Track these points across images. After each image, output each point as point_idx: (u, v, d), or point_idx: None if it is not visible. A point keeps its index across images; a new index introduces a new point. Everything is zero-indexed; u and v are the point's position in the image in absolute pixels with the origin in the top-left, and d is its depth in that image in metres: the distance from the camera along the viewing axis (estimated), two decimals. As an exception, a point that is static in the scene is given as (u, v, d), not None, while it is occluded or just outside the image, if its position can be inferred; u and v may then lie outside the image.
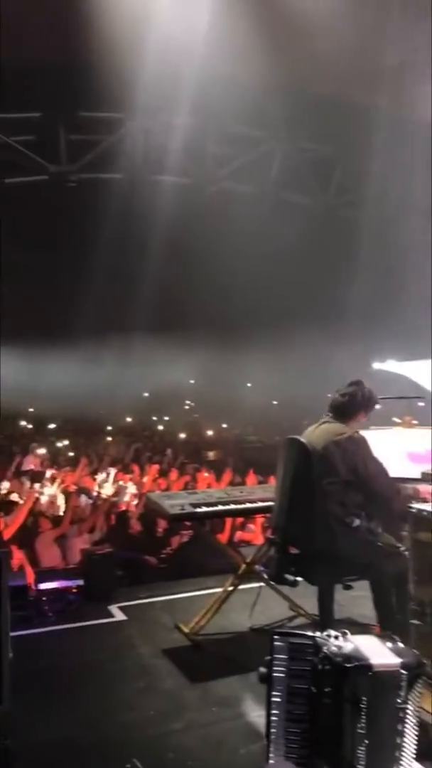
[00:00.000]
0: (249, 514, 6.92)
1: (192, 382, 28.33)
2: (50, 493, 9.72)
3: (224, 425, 22.86)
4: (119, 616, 5.95)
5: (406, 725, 2.92)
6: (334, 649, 3.03)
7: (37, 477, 10.99)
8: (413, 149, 10.92)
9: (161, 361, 21.27)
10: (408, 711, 2.93)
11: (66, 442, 16.98)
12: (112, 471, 12.03)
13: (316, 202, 12.89)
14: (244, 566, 5.44)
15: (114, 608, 6.08)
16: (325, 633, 3.15)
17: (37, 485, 10.14)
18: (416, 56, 8.86)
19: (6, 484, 10.53)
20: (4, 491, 9.83)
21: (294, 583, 4.41)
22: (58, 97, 10.62)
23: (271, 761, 3.05)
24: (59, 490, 9.88)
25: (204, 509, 5.32)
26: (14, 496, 9.46)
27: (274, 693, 3.14)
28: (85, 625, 5.76)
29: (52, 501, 9.34)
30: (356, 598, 4.94)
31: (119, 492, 9.89)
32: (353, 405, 4.45)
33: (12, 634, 3.14)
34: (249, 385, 25.79)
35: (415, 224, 12.50)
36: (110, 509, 8.83)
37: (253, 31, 8.68)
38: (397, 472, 4.62)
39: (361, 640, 3.12)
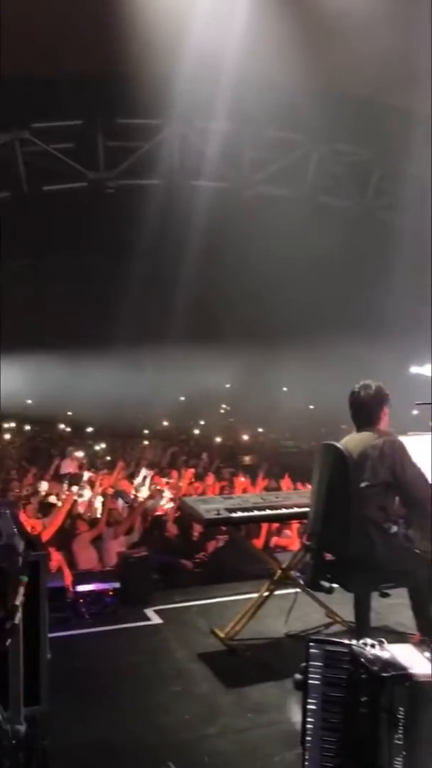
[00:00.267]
0: (284, 520, 6.89)
1: (228, 386, 28.33)
2: (88, 495, 9.82)
3: (260, 429, 22.80)
4: (155, 619, 5.98)
5: (445, 737, 2.87)
6: (370, 657, 2.99)
7: (74, 480, 11.13)
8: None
9: (197, 365, 21.33)
10: (447, 722, 2.87)
11: (103, 446, 17.16)
12: (149, 473, 12.12)
13: (353, 205, 12.79)
14: (279, 572, 5.42)
15: (150, 611, 6.11)
16: (361, 641, 3.12)
17: (74, 488, 10.26)
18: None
19: (45, 486, 10.70)
20: (43, 493, 9.98)
21: (330, 590, 4.37)
22: (97, 105, 10.77)
23: (306, 770, 3.03)
24: (96, 493, 9.98)
25: (239, 514, 5.31)
26: (53, 499, 9.61)
27: (309, 701, 3.11)
28: (122, 628, 5.81)
29: (90, 504, 9.44)
30: (393, 606, 4.88)
31: (155, 496, 9.94)
32: (368, 408, 4.40)
33: (49, 635, 3.18)
34: (285, 389, 25.67)
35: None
36: (146, 512, 8.89)
37: (289, 34, 8.66)
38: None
39: (399, 649, 3.08)
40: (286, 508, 5.47)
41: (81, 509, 9.06)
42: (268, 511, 5.45)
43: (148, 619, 5.99)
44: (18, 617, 2.57)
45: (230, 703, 4.40)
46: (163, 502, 9.70)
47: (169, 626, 5.81)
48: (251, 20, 8.63)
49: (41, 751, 2.85)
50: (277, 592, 5.46)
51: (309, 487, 4.87)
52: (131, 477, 12.06)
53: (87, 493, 10.02)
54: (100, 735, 4.04)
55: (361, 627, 4.27)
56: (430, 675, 2.88)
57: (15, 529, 3.13)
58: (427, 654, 3.04)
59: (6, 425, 22.80)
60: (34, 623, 2.86)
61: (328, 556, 4.38)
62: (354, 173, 12.62)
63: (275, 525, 7.94)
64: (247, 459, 15.92)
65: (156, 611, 6.12)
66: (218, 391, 26.81)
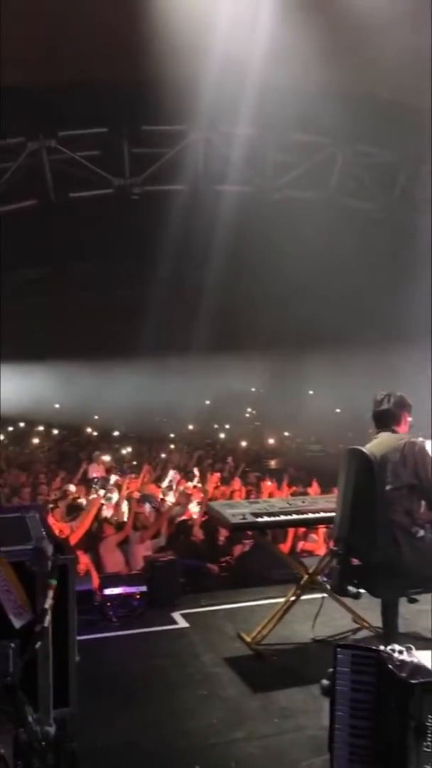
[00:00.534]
0: (311, 525, 6.86)
1: (253, 390, 28.28)
2: (114, 499, 9.89)
3: (286, 433, 22.71)
4: (182, 623, 6.01)
5: None
6: (398, 663, 2.98)
7: (101, 483, 11.21)
8: None
9: (223, 369, 21.35)
10: None
11: (129, 450, 17.25)
12: (175, 476, 12.15)
13: (378, 207, 12.71)
14: (306, 577, 5.40)
15: (177, 615, 6.14)
16: (389, 647, 3.10)
17: (101, 491, 10.34)
18: None
19: (72, 488, 10.80)
20: (70, 497, 10.07)
21: (357, 595, 4.35)
22: (122, 113, 10.86)
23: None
24: (123, 497, 10.04)
25: (265, 519, 5.32)
26: (81, 501, 9.70)
27: (337, 706, 3.10)
28: (149, 631, 5.84)
29: (117, 507, 9.50)
30: (422, 612, 4.83)
31: (181, 501, 9.96)
32: (390, 417, 4.47)
33: (77, 638, 3.21)
34: (311, 392, 25.54)
35: None
36: (173, 517, 8.93)
37: (313, 37, 8.64)
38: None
39: (427, 656, 3.05)
40: (312, 512, 5.46)
41: (108, 513, 9.12)
42: (295, 516, 5.44)
43: (174, 622, 6.02)
44: (47, 620, 2.61)
45: (257, 708, 4.40)
46: (190, 506, 9.71)
47: (195, 630, 5.83)
48: (275, 24, 8.63)
49: (70, 753, 2.88)
50: (303, 597, 5.45)
51: (335, 491, 4.86)
52: (158, 481, 12.11)
53: (114, 496, 10.08)
54: (127, 737, 4.07)
55: (389, 633, 4.25)
56: (459, 682, 2.85)
57: (44, 533, 3.18)
58: (456, 661, 3.01)
59: (34, 429, 23.08)
60: (63, 626, 2.90)
61: (355, 561, 4.36)
62: (379, 175, 12.53)
63: (302, 529, 7.91)
64: (272, 463, 15.87)
65: (183, 615, 6.15)
66: (244, 395, 26.80)
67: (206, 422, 24.25)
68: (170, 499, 10.38)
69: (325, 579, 5.33)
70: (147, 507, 9.00)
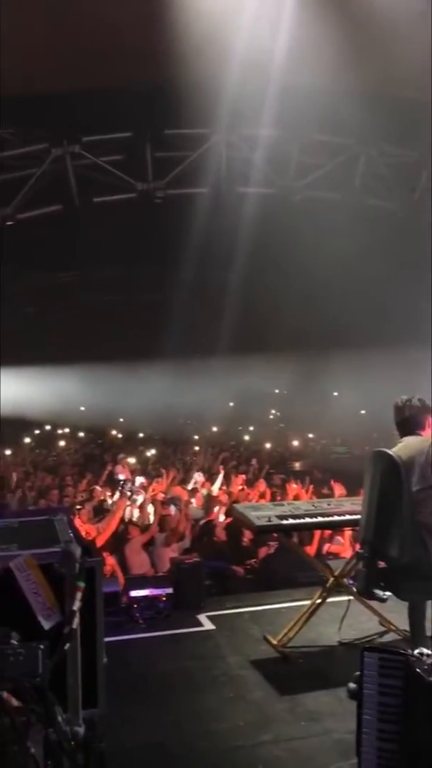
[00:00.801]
0: (336, 527, 6.84)
1: (276, 391, 28.22)
2: (140, 501, 9.94)
3: (310, 435, 22.61)
4: (208, 625, 6.02)
5: None
6: (426, 667, 2.95)
7: (127, 485, 11.25)
8: None
9: (247, 371, 21.33)
10: None
11: (154, 452, 17.33)
12: (200, 479, 12.17)
13: (401, 207, 12.61)
14: (332, 579, 5.38)
15: (203, 617, 6.16)
16: (417, 650, 3.08)
17: (127, 493, 10.37)
18: None
19: (98, 490, 10.87)
20: (96, 499, 10.14)
21: (383, 598, 4.33)
22: (145, 117, 10.94)
23: (362, 780, 3.00)
24: (149, 499, 10.09)
25: (290, 521, 5.31)
26: (108, 502, 9.78)
27: (364, 710, 3.09)
28: (175, 633, 5.87)
29: (142, 509, 9.55)
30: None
31: (209, 503, 9.97)
32: (413, 420, 4.47)
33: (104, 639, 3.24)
34: (335, 394, 25.40)
35: None
36: (198, 518, 8.95)
37: (335, 38, 8.60)
38: None
39: (455, 660, 3.02)
40: (338, 515, 5.44)
41: (134, 514, 9.18)
42: (320, 519, 5.43)
43: (200, 624, 6.04)
44: (76, 622, 2.64)
45: (283, 711, 4.39)
46: (216, 509, 9.71)
47: (221, 632, 5.85)
48: (297, 25, 8.62)
49: (99, 753, 2.90)
50: (329, 600, 5.43)
51: (361, 493, 4.84)
52: (182, 483, 12.14)
53: (139, 498, 10.14)
54: (154, 739, 4.10)
55: (417, 636, 4.22)
56: None
57: (71, 535, 3.22)
58: None
59: (60, 431, 23.31)
60: (91, 628, 2.92)
61: (381, 564, 4.34)
62: (402, 175, 12.44)
63: (327, 532, 7.89)
64: (297, 465, 15.81)
65: (208, 617, 6.17)
66: (268, 397, 26.75)
67: (230, 424, 24.26)
68: (195, 500, 10.40)
69: (351, 582, 5.30)
70: (172, 509, 9.03)
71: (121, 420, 23.88)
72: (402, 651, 3.12)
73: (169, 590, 6.28)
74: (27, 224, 11.32)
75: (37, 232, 12.05)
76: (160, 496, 10.00)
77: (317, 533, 7.74)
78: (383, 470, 4.31)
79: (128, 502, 9.35)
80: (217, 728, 4.22)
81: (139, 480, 12.14)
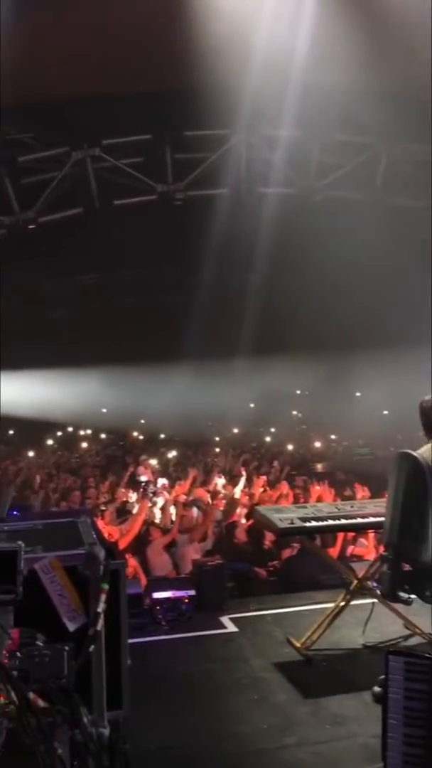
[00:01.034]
0: (360, 530, 6.78)
1: (298, 392, 28.09)
2: (161, 503, 9.96)
3: (333, 436, 22.49)
4: (230, 627, 6.01)
5: None
6: (453, 672, 2.92)
7: (149, 487, 11.28)
8: None
9: (268, 372, 21.27)
10: None
11: (175, 453, 17.35)
12: (221, 481, 12.15)
13: (424, 206, 12.50)
14: (356, 582, 5.34)
15: (225, 619, 6.15)
16: (443, 655, 3.04)
17: (149, 495, 10.40)
18: None
19: (121, 492, 10.92)
20: (119, 500, 10.18)
21: (408, 601, 4.27)
22: (164, 119, 10.97)
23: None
24: (170, 501, 10.10)
25: (313, 524, 5.28)
26: (131, 502, 9.81)
27: (390, 714, 3.06)
28: (197, 635, 5.87)
29: (164, 510, 9.57)
30: None
31: (231, 506, 9.95)
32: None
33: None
34: (358, 394, 25.22)
35: None
36: (220, 520, 8.94)
37: (355, 37, 8.56)
38: None
39: None
40: (361, 517, 5.40)
41: (156, 515, 9.19)
42: (343, 521, 5.39)
43: (223, 626, 6.03)
44: (100, 624, 2.65)
45: (307, 714, 4.37)
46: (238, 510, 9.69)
47: (244, 634, 5.83)
48: (317, 25, 8.59)
49: (123, 754, 2.91)
50: (353, 603, 5.39)
51: (385, 495, 4.80)
52: (204, 484, 12.14)
53: (160, 500, 10.15)
54: (178, 741, 4.09)
55: (442, 640, 4.16)
56: None
57: (95, 537, 3.24)
58: None
59: (82, 433, 23.46)
60: (115, 630, 2.94)
61: (406, 567, 4.29)
62: (424, 173, 12.32)
63: (351, 534, 7.83)
64: (319, 466, 15.72)
65: (231, 619, 6.16)
66: (289, 398, 26.64)
67: (251, 425, 24.22)
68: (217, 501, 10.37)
69: (375, 584, 5.26)
70: (195, 510, 9.03)
71: (143, 421, 23.95)
72: (428, 655, 3.08)
73: (192, 592, 6.28)
74: (49, 228, 11.42)
75: (58, 236, 12.15)
76: (183, 498, 10.00)
77: (340, 535, 7.69)
78: (408, 472, 4.26)
79: (149, 504, 9.37)
80: (241, 731, 4.20)
81: (161, 481, 12.17)
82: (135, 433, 23.14)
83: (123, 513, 9.11)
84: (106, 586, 2.73)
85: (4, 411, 18.66)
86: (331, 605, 5.45)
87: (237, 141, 11.43)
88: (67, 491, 11.15)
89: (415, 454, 4.26)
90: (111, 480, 12.51)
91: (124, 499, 10.37)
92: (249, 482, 11.94)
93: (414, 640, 5.28)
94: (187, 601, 6.22)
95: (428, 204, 12.35)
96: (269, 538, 8.16)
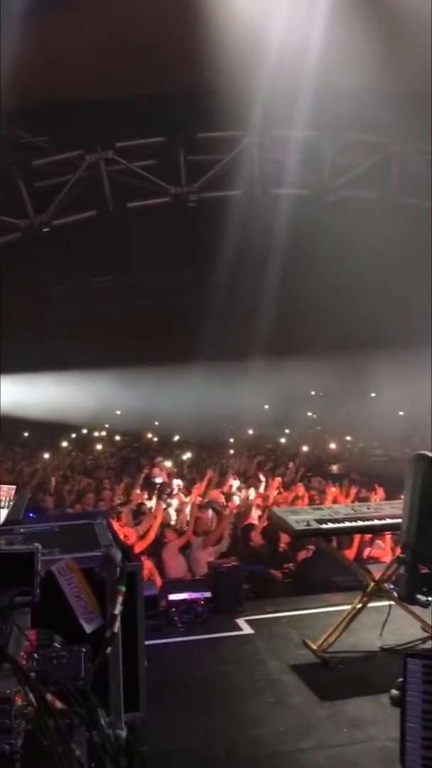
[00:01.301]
0: (377, 532, 6.72)
1: (313, 393, 27.99)
2: (176, 505, 9.96)
3: (348, 437, 22.38)
4: (246, 629, 6.00)
5: None
6: (472, 675, 2.89)
7: (164, 489, 11.30)
8: None
9: (282, 372, 21.20)
10: None
11: (189, 455, 17.35)
12: (236, 483, 12.14)
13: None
14: (372, 584, 5.31)
15: (241, 621, 6.14)
16: (462, 658, 3.01)
17: (164, 497, 10.41)
18: None
19: (137, 493, 10.93)
20: (134, 502, 10.19)
21: (426, 604, 4.25)
22: (177, 121, 11.00)
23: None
24: (186, 503, 10.10)
25: (329, 526, 5.25)
26: (147, 504, 9.81)
27: (408, 718, 3.03)
28: (213, 637, 5.86)
29: (180, 512, 9.57)
30: None
31: (246, 506, 9.94)
32: None
33: (144, 643, 3.24)
34: (373, 395, 25.09)
35: None
36: (236, 522, 8.92)
37: (368, 38, 8.53)
38: None
39: None
40: (378, 519, 5.37)
41: (173, 518, 9.19)
42: (360, 523, 5.36)
43: (239, 628, 6.02)
44: (117, 626, 2.65)
45: (325, 717, 4.34)
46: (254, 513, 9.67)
47: (260, 636, 5.82)
48: (329, 26, 8.56)
49: (140, 756, 2.91)
50: (370, 605, 5.35)
51: (401, 497, 4.77)
52: (218, 486, 12.12)
53: (174, 502, 10.16)
54: (195, 743, 4.09)
55: (461, 643, 4.12)
56: None
57: (111, 539, 3.24)
58: None
59: (97, 434, 23.52)
60: (132, 632, 2.93)
61: (424, 569, 4.26)
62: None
63: (368, 536, 7.78)
64: (334, 468, 15.64)
65: (247, 621, 6.14)
66: (304, 399, 26.56)
67: (266, 427, 24.17)
68: (233, 503, 10.36)
69: (392, 587, 5.22)
70: (210, 512, 9.02)
71: (157, 423, 23.98)
72: (447, 658, 3.06)
73: (208, 594, 6.27)
74: (63, 230, 11.48)
75: (72, 238, 12.22)
76: (198, 500, 10.00)
77: (357, 537, 7.64)
78: (425, 474, 4.24)
79: (164, 505, 9.38)
80: (257, 733, 4.19)
81: (177, 483, 12.17)
82: (149, 435, 23.16)
83: (138, 515, 9.12)
84: (123, 588, 2.73)
85: (19, 413, 18.80)
86: (347, 607, 5.42)
87: (250, 142, 11.43)
88: (82, 493, 11.19)
89: (431, 454, 4.24)
90: (126, 482, 12.53)
91: (140, 500, 10.38)
92: (264, 484, 11.91)
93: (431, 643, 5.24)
94: (203, 603, 6.21)
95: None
96: (284, 540, 8.13)
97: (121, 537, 6.07)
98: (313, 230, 12.03)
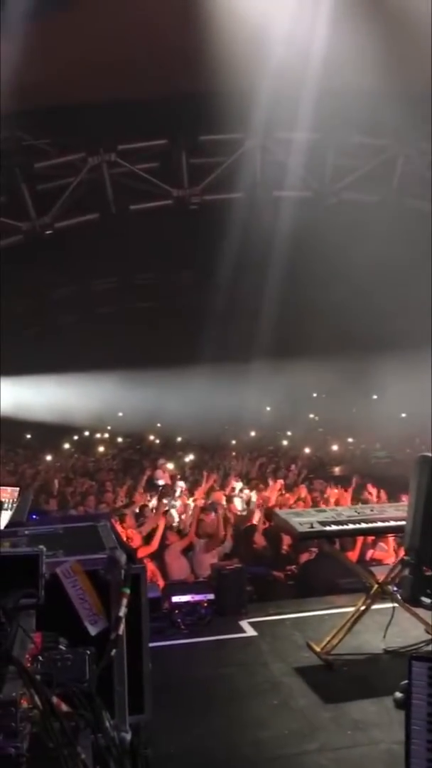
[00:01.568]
0: (380, 534, 6.72)
1: (315, 395, 27.95)
2: (178, 507, 9.94)
3: (350, 439, 22.36)
4: (250, 631, 5.99)
5: None
6: None
7: (167, 491, 11.29)
8: None
9: (284, 375, 21.20)
10: None
11: (192, 457, 17.34)
12: (238, 485, 12.12)
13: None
14: (376, 586, 5.30)
15: (244, 623, 6.13)
16: (467, 660, 3.00)
17: (165, 499, 10.39)
18: None
19: (140, 496, 10.92)
20: (137, 504, 10.18)
21: (430, 606, 4.24)
22: (179, 124, 11.02)
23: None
24: (188, 504, 10.09)
25: (333, 528, 5.25)
26: (151, 505, 9.80)
27: (413, 720, 3.02)
28: (216, 639, 5.85)
29: (181, 514, 9.55)
30: None
31: (249, 508, 9.92)
32: None
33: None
34: (374, 397, 25.06)
35: None
36: (238, 524, 8.91)
37: (371, 40, 8.54)
38: None
39: None
40: (381, 521, 5.36)
41: (175, 520, 9.17)
42: (363, 525, 5.36)
43: (242, 631, 6.01)
44: (121, 628, 2.64)
45: (329, 720, 4.33)
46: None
47: (263, 638, 5.81)
48: (332, 29, 8.57)
49: (145, 759, 2.90)
50: (373, 607, 5.34)
51: (404, 499, 4.76)
52: (221, 488, 12.10)
53: (177, 503, 10.14)
54: (197, 745, 4.08)
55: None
56: None
57: (115, 542, 3.24)
58: None
59: (99, 436, 23.52)
60: (137, 634, 2.93)
61: (428, 571, 4.25)
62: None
63: (371, 538, 7.76)
64: (337, 470, 15.62)
65: (250, 623, 6.13)
66: (306, 401, 26.54)
67: (268, 429, 24.15)
68: (236, 505, 10.34)
69: (395, 589, 5.21)
70: (212, 514, 9.01)
71: (159, 425, 23.97)
72: (452, 661, 3.05)
73: (211, 596, 6.26)
74: (65, 233, 11.49)
75: (74, 241, 12.23)
76: (200, 502, 9.98)
77: (360, 539, 7.62)
78: (429, 476, 4.23)
79: (166, 507, 9.36)
80: (262, 736, 4.18)
81: (180, 485, 12.16)
82: (151, 437, 23.15)
83: (141, 517, 9.11)
84: (127, 591, 2.73)
85: (22, 415, 18.80)
86: (350, 609, 5.41)
87: (252, 145, 11.44)
88: (85, 495, 11.18)
89: (435, 456, 4.23)
90: (129, 484, 12.52)
91: (143, 503, 10.37)
92: (266, 486, 11.90)
93: (435, 645, 5.23)
94: (205, 605, 6.20)
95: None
96: (287, 542, 8.11)
97: (125, 539, 6.06)
98: (315, 233, 12.03)
